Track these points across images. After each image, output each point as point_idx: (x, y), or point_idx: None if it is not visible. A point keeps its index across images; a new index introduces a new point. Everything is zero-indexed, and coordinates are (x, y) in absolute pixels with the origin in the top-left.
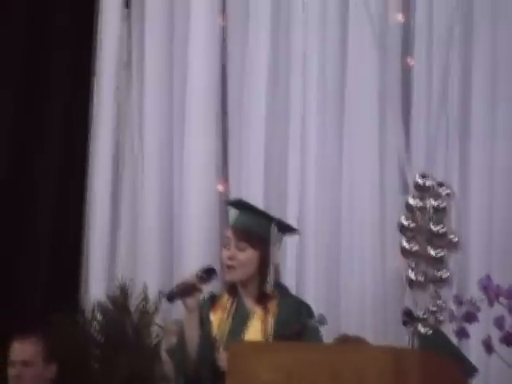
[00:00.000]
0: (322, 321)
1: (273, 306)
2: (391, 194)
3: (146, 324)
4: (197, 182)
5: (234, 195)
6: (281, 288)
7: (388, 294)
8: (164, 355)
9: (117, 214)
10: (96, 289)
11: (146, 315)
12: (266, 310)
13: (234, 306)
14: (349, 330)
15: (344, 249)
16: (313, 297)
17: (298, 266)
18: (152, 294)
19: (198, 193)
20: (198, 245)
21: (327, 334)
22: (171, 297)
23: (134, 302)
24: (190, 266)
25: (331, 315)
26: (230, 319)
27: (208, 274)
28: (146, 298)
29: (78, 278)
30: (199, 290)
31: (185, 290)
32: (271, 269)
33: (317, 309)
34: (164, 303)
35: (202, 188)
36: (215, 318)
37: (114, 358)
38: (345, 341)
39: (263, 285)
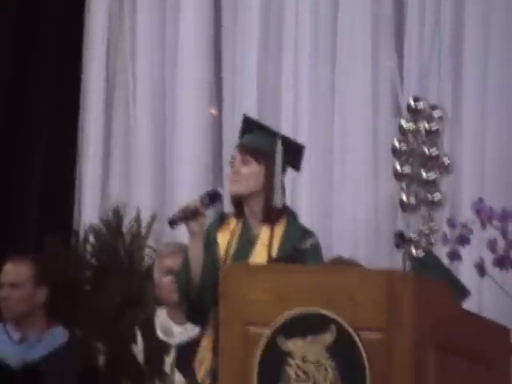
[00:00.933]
0: (315, 243)
1: (279, 228)
2: (384, 117)
3: (138, 247)
4: (190, 105)
5: (226, 120)
6: (289, 211)
7: (381, 216)
8: (156, 278)
9: (109, 137)
10: (89, 212)
11: (138, 238)
12: (271, 232)
13: (239, 228)
14: (341, 252)
15: (337, 172)
16: (306, 220)
17: (291, 188)
18: (145, 217)
19: (192, 116)
20: (191, 168)
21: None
22: (174, 221)
23: (126, 225)
24: (183, 190)
25: (324, 239)
26: (236, 242)
27: (211, 198)
28: (138, 221)
29: (71, 200)
30: (202, 215)
31: (188, 215)
32: (277, 185)
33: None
34: (157, 226)
35: (195, 111)
36: (222, 239)
37: (106, 281)
38: (338, 262)
39: (269, 202)
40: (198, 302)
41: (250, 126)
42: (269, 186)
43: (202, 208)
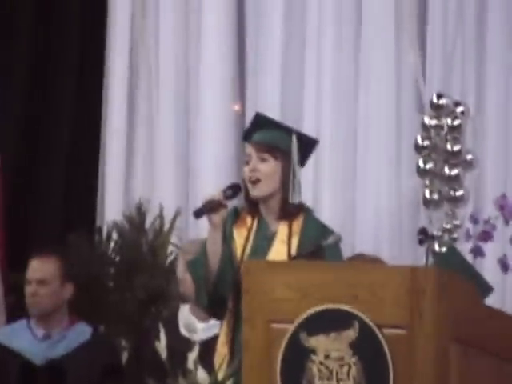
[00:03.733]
0: (337, 240)
1: (297, 225)
2: (407, 114)
3: (161, 243)
4: (213, 102)
5: (250, 115)
6: (306, 208)
7: (403, 213)
8: (180, 274)
9: (133, 134)
10: (112, 208)
11: (161, 234)
12: (290, 229)
13: (256, 224)
14: (364, 249)
15: (360, 168)
16: (328, 216)
17: (314, 185)
18: (168, 213)
19: (215, 112)
20: (214, 165)
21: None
22: (198, 213)
23: (149, 222)
24: (205, 187)
25: (346, 235)
26: (253, 238)
27: (233, 190)
28: (161, 218)
29: (94, 197)
30: (224, 207)
31: (211, 207)
32: (294, 183)
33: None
34: (180, 222)
35: (218, 107)
36: (238, 235)
37: (129, 277)
38: (360, 260)
39: (286, 200)
40: (216, 294)
41: (262, 123)
42: (286, 183)
43: (224, 200)
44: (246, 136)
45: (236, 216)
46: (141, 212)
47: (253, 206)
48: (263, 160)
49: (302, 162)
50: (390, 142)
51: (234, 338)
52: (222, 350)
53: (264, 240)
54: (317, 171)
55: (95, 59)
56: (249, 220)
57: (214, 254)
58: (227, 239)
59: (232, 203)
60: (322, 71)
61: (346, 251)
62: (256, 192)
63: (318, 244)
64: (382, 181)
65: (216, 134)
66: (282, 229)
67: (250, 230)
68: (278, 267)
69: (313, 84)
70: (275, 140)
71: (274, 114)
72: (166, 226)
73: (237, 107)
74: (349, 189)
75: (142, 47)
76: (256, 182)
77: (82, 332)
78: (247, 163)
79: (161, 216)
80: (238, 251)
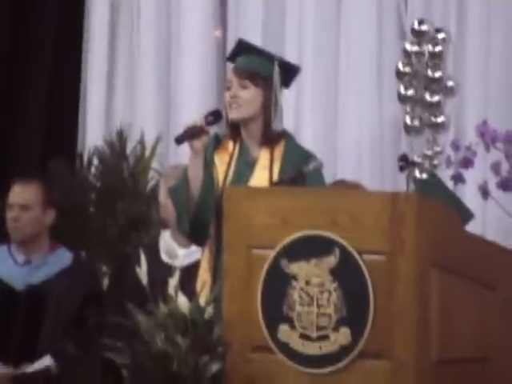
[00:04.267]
0: (318, 165)
1: (279, 151)
2: (388, 40)
3: (142, 169)
4: (195, 26)
5: (231, 42)
6: (287, 135)
7: (385, 139)
8: (161, 200)
9: (113, 57)
10: (93, 134)
11: (142, 160)
12: (271, 154)
13: (237, 150)
14: (345, 175)
15: (341, 94)
16: (310, 140)
17: (296, 111)
18: (149, 139)
19: (196, 37)
20: (195, 91)
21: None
22: (180, 139)
23: (131, 148)
24: (187, 113)
25: (328, 161)
26: (234, 164)
27: (215, 116)
28: (143, 143)
29: (75, 123)
30: (206, 133)
31: (193, 133)
32: (276, 109)
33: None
34: (161, 148)
35: (199, 33)
36: (219, 160)
37: (110, 203)
38: (341, 186)
39: (268, 125)
40: (198, 220)
41: (244, 48)
42: (267, 109)
43: (205, 126)
44: (229, 60)
45: (217, 142)
46: (122, 138)
47: (234, 130)
48: (244, 87)
49: (284, 87)
50: (371, 67)
51: (216, 264)
52: (204, 277)
53: (246, 166)
54: (299, 97)
55: None
56: (230, 146)
57: (195, 180)
58: (209, 166)
59: (213, 129)
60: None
61: (328, 177)
62: (235, 114)
63: (299, 170)
64: (363, 107)
65: (197, 60)
66: (263, 155)
67: (231, 156)
68: (259, 193)
69: (295, 10)
70: (257, 66)
71: (255, 40)
72: (148, 152)
73: (218, 33)
74: (330, 115)
75: None
76: (235, 106)
77: (62, 257)
78: (228, 89)
79: (142, 142)
80: (220, 177)
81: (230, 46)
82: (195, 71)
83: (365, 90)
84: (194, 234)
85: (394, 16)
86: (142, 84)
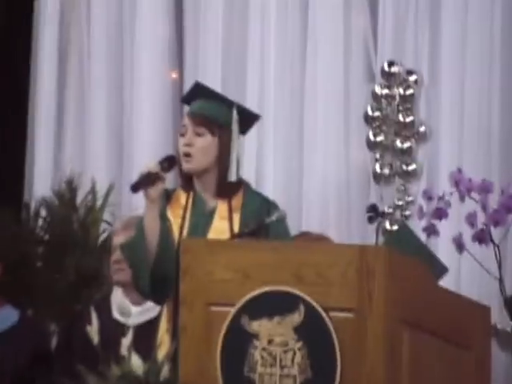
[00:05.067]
0: (282, 217)
1: (237, 201)
2: (356, 82)
3: (93, 220)
4: (149, 69)
5: (188, 83)
6: (245, 183)
7: (352, 188)
8: (114, 255)
9: (62, 101)
10: (41, 183)
11: (93, 211)
12: (229, 205)
13: (191, 202)
14: (310, 227)
15: (306, 139)
16: (272, 189)
17: (257, 157)
18: (101, 188)
19: (150, 80)
20: (149, 136)
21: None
22: (135, 187)
23: (81, 198)
24: (140, 160)
25: (292, 210)
26: (189, 216)
27: (170, 162)
28: (94, 193)
29: (21, 171)
30: (162, 180)
31: (148, 180)
32: (233, 158)
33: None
34: (113, 198)
35: (154, 75)
36: (172, 214)
37: (59, 258)
38: (306, 239)
39: (224, 176)
40: (157, 277)
41: (201, 92)
42: (224, 159)
43: (161, 172)
44: (184, 102)
45: (167, 197)
46: (71, 187)
47: (187, 181)
48: (199, 134)
49: (243, 132)
50: (338, 112)
51: (175, 323)
52: (163, 338)
53: (202, 217)
54: (260, 143)
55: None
56: (183, 198)
57: (152, 232)
58: (163, 221)
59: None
60: (266, 36)
61: (292, 229)
62: (187, 166)
63: (261, 221)
64: (329, 154)
65: (152, 102)
66: (221, 205)
67: (185, 208)
68: (217, 246)
69: (257, 51)
70: (214, 113)
71: (214, 83)
72: (99, 202)
73: (174, 75)
74: (294, 162)
75: (73, 13)
76: (188, 155)
77: (8, 316)
78: (182, 135)
79: (93, 191)
80: (176, 231)
81: (187, 87)
82: (149, 114)
83: (331, 135)
84: (154, 292)
85: (362, 57)
86: (93, 129)
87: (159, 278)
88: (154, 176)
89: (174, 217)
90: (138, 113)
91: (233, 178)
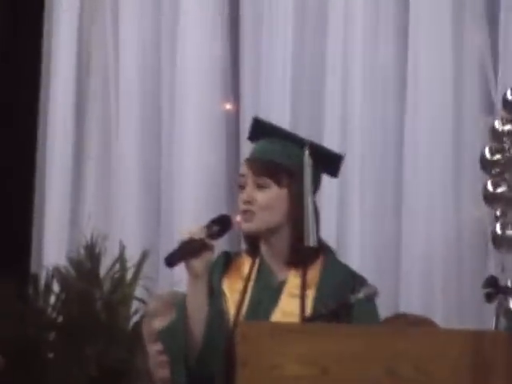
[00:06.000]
0: (371, 294)
1: (314, 273)
2: (470, 116)
3: (122, 298)
4: (194, 99)
5: (246, 117)
6: (325, 248)
7: (464, 256)
8: (147, 345)
9: (81, 146)
10: (53, 249)
11: (122, 286)
12: (303, 278)
13: (255, 272)
14: (409, 307)
15: (405, 192)
16: (358, 260)
17: (338, 216)
18: (131, 257)
19: (196, 113)
20: (196, 188)
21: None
22: (172, 259)
23: (105, 269)
24: (183, 217)
25: (385, 287)
26: (251, 291)
27: (222, 225)
28: (122, 262)
29: (27, 233)
30: (209, 248)
31: (190, 249)
32: (308, 215)
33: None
34: (148, 268)
35: (201, 107)
36: (229, 288)
37: (77, 346)
38: (403, 323)
39: (298, 240)
40: (200, 371)
41: (261, 131)
42: (296, 216)
43: (208, 239)
44: (250, 139)
45: (226, 264)
46: (93, 254)
47: (251, 245)
48: (262, 186)
49: (331, 173)
50: (446, 155)
51: None
52: None
53: (267, 294)
54: (343, 196)
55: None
56: (245, 267)
57: (196, 315)
58: (216, 296)
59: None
60: (349, 55)
61: (385, 311)
62: (246, 227)
63: (343, 300)
64: (434, 211)
65: (198, 143)
66: (292, 279)
67: (247, 280)
68: (286, 332)
69: (339, 72)
70: (278, 156)
71: (282, 119)
72: (129, 274)
73: (227, 106)
74: (389, 221)
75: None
76: (248, 213)
77: None
78: (242, 187)
79: (121, 259)
80: (231, 310)
81: (244, 124)
82: (195, 159)
83: (437, 186)
84: None
85: (477, 83)
86: (121, 178)
87: (203, 372)
88: (198, 244)
89: (232, 291)
90: (179, 158)
91: (311, 242)
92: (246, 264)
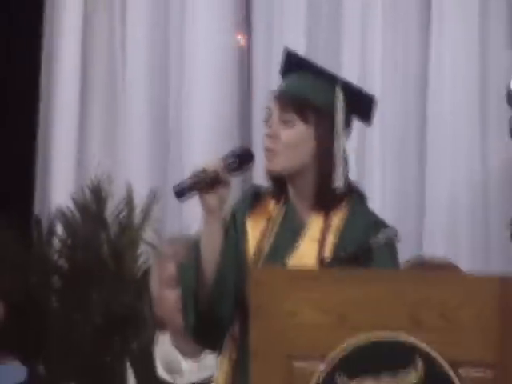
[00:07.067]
0: (392, 239)
1: (338, 218)
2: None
3: (130, 242)
4: (205, 32)
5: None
6: (355, 192)
7: (491, 196)
8: (155, 290)
9: (87, 81)
10: (58, 190)
11: (130, 228)
12: (326, 221)
13: (281, 213)
14: (432, 250)
15: (430, 130)
16: (380, 204)
17: (359, 161)
18: (139, 198)
19: (208, 47)
20: (206, 124)
21: (400, 258)
22: (182, 191)
23: (112, 211)
24: (194, 157)
25: (408, 229)
26: (274, 232)
27: (242, 158)
28: (130, 203)
29: (31, 174)
30: (225, 183)
31: (203, 182)
32: (337, 156)
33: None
34: (157, 210)
35: (212, 40)
36: (252, 227)
37: (82, 293)
38: (425, 267)
39: (325, 181)
40: (211, 314)
41: (294, 65)
42: (323, 157)
43: (224, 173)
44: (281, 75)
45: (254, 202)
46: (99, 195)
47: (278, 185)
48: (287, 122)
49: (364, 117)
50: (471, 91)
51: (237, 380)
52: None
53: (289, 235)
54: (362, 143)
55: None
56: (271, 206)
57: (209, 254)
58: (238, 234)
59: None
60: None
61: (406, 254)
62: (270, 166)
63: (363, 243)
64: (459, 150)
65: (209, 77)
66: (315, 221)
67: (270, 219)
68: (304, 277)
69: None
70: (308, 92)
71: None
72: (137, 216)
73: (241, 37)
74: (412, 166)
75: None
76: (271, 152)
77: (12, 374)
78: (267, 122)
79: (129, 201)
80: (251, 251)
81: (257, 56)
82: (207, 94)
83: (462, 125)
84: (204, 333)
85: (504, 16)
86: (128, 117)
87: (214, 315)
88: (212, 177)
89: (254, 230)
90: (189, 94)
91: (338, 182)
92: (271, 204)
